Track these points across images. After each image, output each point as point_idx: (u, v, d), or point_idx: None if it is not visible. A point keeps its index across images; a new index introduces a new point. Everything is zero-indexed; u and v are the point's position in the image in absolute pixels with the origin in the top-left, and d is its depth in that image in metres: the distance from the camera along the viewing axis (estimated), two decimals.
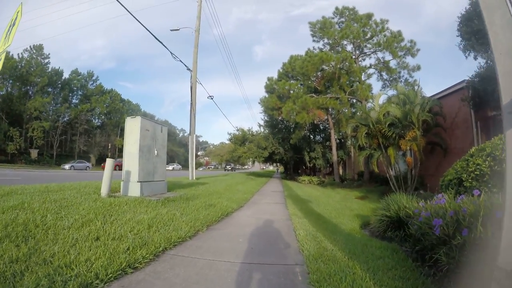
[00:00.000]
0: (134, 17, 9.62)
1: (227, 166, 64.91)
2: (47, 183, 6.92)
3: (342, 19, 21.46)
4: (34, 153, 40.85)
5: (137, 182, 5.78)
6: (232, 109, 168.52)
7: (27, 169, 25.35)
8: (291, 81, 22.23)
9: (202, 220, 4.42)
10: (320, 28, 21.29)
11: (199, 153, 78.22)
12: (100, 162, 42.54)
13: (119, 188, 6.09)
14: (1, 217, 3.16)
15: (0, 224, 2.88)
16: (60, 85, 48.15)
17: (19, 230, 2.79)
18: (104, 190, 5.31)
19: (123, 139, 7.74)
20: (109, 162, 5.59)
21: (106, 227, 3.27)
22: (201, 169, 64.98)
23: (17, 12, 4.22)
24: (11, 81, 42.16)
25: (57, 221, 3.27)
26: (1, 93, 40.33)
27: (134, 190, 5.76)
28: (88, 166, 34.26)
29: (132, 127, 6.01)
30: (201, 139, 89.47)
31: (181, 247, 3.21)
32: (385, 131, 10.76)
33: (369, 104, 16.24)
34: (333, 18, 21.45)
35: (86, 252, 2.50)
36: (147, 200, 5.19)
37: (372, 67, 22.06)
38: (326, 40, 21.66)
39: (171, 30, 14.85)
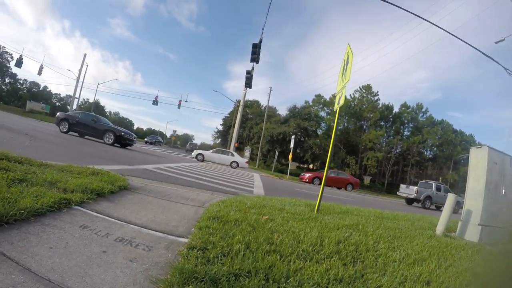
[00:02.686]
0: (457, 37, 7.44)
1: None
2: (381, 209, 7.37)
3: None
4: (366, 180, 47.44)
5: (477, 225, 4.95)
6: None
7: (359, 192, 27.41)
8: None
9: None
10: None
11: None
12: None
13: (454, 228, 5.54)
14: (336, 233, 3.37)
15: (334, 240, 3.08)
16: (391, 119, 53.94)
17: (350, 250, 2.85)
18: (440, 228, 5.01)
19: (455, 173, 7.45)
20: (451, 198, 5.09)
21: (439, 272, 2.79)
22: None
23: (347, 52, 4.82)
24: (347, 117, 53.25)
25: (388, 250, 3.15)
26: (340, 127, 51.21)
27: (472, 233, 4.97)
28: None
29: (477, 159, 5.21)
30: None
31: None
32: None
33: None
34: None
35: None
36: (486, 250, 4.29)
37: None
38: None
39: (495, 42, 12.23)
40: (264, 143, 44.50)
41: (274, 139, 45.53)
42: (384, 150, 51.14)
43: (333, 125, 53.50)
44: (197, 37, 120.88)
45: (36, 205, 2.39)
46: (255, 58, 13.96)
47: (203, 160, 21.48)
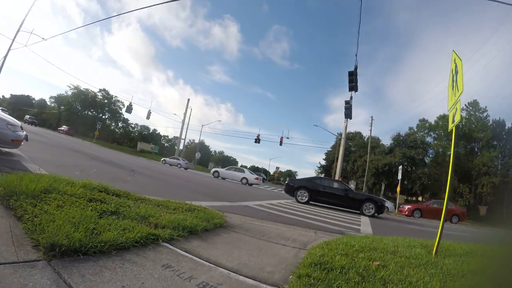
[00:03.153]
0: None
1: None
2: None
3: None
4: (482, 210, 39.97)
5: None
6: None
7: (472, 225, 23.67)
8: None
9: None
10: None
11: None
12: None
13: None
14: (462, 282, 2.85)
15: None
16: (504, 136, 44.04)
17: None
18: None
19: None
20: None
21: None
22: None
23: (454, 60, 4.18)
24: (455, 141, 51.50)
25: None
26: (448, 153, 43.46)
27: None
28: None
29: None
30: None
31: None
32: None
33: None
34: None
35: None
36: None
37: None
38: None
39: None
40: (369, 176, 41.04)
41: (380, 171, 41.99)
42: (500, 174, 40.81)
43: (442, 151, 43.60)
44: (292, 74, 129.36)
45: (120, 239, 2.18)
46: (353, 86, 13.34)
47: (218, 177, 23.28)
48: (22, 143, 6.26)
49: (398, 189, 23.78)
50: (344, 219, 9.54)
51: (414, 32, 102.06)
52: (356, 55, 13.33)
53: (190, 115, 44.80)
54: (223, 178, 23.15)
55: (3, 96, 77.98)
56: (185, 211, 4.10)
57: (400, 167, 24.53)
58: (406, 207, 21.73)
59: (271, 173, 76.56)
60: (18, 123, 6.29)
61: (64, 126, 50.69)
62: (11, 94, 76.74)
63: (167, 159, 33.67)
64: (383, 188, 29.46)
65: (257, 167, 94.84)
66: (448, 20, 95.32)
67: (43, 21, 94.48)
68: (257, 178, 23.53)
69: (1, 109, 40.51)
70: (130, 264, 1.95)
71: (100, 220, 2.48)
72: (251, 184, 22.46)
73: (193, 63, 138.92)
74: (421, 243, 4.82)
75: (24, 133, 6.45)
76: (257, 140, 37.91)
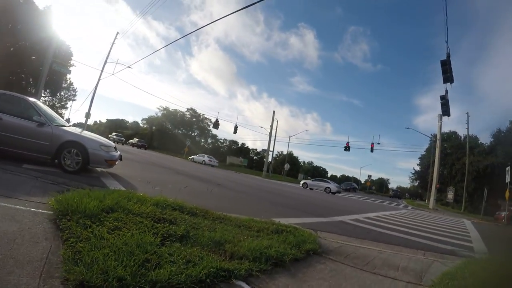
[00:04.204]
0: None
1: None
2: None
3: None
4: None
5: None
6: None
7: None
8: None
9: None
10: None
11: None
12: None
13: None
14: None
15: None
16: None
17: None
18: None
19: None
20: None
21: None
22: None
23: None
24: None
25: None
26: None
27: None
28: None
29: None
30: None
31: None
32: None
33: None
34: None
35: None
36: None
37: None
38: None
39: None
40: (469, 181, 35.00)
41: (481, 174, 34.99)
42: None
43: None
44: (376, 75, 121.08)
45: (178, 277, 1.58)
46: (448, 77, 11.11)
47: (306, 187, 25.75)
48: (116, 163, 6.73)
49: (507, 194, 19.86)
50: (450, 232, 8.63)
51: (499, 13, 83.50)
52: (446, 41, 10.90)
53: (276, 127, 45.08)
54: (311, 189, 25.61)
55: (100, 121, 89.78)
56: (271, 233, 3.47)
57: (508, 168, 20.26)
58: (503, 213, 19.83)
59: (362, 182, 71.64)
60: (112, 144, 6.81)
61: (135, 138, 50.35)
62: (106, 119, 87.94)
63: (195, 157, 36.20)
64: (485, 194, 24.60)
65: (347, 176, 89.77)
66: None
67: (128, 51, 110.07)
68: (337, 187, 26.30)
69: (116, 134, 47.75)
70: None
71: (160, 248, 1.95)
72: (334, 193, 24.32)
73: (275, 75, 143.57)
74: None
75: (118, 153, 6.93)
76: (347, 148, 35.91)
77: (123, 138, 47.88)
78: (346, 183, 52.25)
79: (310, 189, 25.24)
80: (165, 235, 2.31)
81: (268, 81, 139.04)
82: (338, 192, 25.52)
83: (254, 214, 4.77)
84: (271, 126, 43.20)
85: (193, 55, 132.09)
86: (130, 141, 49.41)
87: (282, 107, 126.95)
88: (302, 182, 27.67)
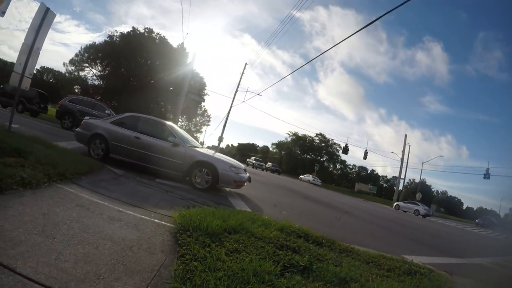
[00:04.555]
0: None
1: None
2: None
3: None
4: None
5: None
6: None
7: None
8: None
9: None
10: None
11: None
12: None
13: None
14: None
15: None
16: None
17: None
18: None
19: None
20: None
21: None
22: None
23: None
24: None
25: None
26: None
27: None
28: None
29: None
30: None
31: None
32: None
33: None
34: None
35: None
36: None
37: None
38: None
39: None
40: None
41: None
42: None
43: None
44: None
45: None
46: None
47: (418, 215, 25.71)
48: (245, 184, 7.05)
49: None
50: None
51: None
52: None
53: (408, 153, 39.73)
54: (404, 211, 26.82)
55: (232, 144, 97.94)
56: (403, 274, 2.91)
57: None
58: None
59: (502, 216, 52.03)
60: (242, 166, 7.22)
61: (268, 163, 48.86)
62: (238, 143, 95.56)
63: (302, 176, 35.90)
64: None
65: (485, 208, 68.94)
66: None
67: (256, 80, 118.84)
68: (426, 210, 27.03)
69: (255, 159, 50.68)
70: None
71: (279, 279, 1.71)
72: (424, 216, 25.17)
73: (404, 96, 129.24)
74: None
75: (247, 175, 7.28)
76: (486, 176, 30.28)
77: (263, 164, 47.15)
78: (484, 217, 39.49)
79: (404, 211, 26.79)
80: (286, 264, 2.06)
81: (397, 103, 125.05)
82: (427, 215, 26.00)
83: (383, 248, 4.27)
84: (403, 151, 37.89)
85: (319, 81, 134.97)
86: (264, 165, 52.54)
87: (413, 130, 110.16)
88: (394, 204, 29.99)
